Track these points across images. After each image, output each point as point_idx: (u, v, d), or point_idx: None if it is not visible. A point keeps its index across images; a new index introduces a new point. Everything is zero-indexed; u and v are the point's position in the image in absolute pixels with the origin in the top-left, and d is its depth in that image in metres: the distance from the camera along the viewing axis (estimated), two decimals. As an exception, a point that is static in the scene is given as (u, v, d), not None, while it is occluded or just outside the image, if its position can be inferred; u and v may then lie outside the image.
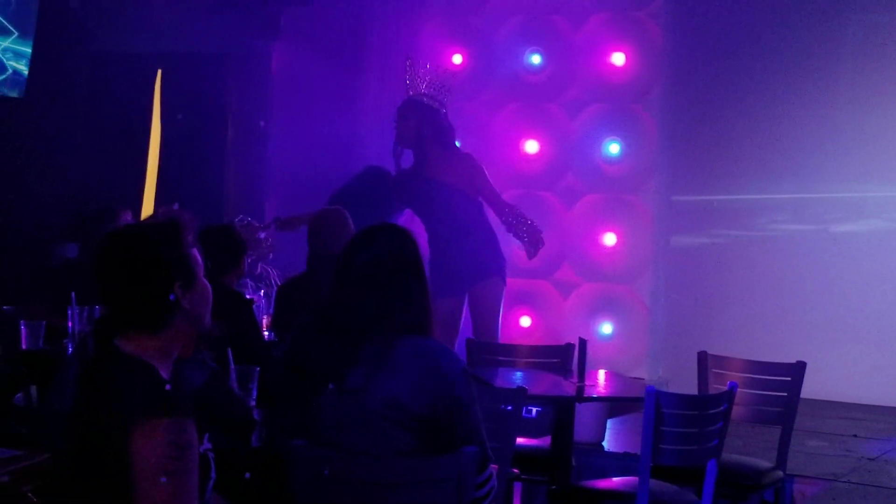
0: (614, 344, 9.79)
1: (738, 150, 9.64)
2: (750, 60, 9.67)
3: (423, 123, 7.94)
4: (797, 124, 9.46)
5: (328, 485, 3.77)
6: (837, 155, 9.42)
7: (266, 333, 6.81)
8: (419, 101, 8.02)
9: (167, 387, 3.02)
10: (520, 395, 4.83)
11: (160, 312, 3.05)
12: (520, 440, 5.66)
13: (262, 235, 8.48)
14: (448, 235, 7.73)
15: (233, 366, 4.67)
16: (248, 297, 6.55)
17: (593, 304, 9.97)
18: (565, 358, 6.55)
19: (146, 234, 3.12)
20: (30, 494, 3.29)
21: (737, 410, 5.50)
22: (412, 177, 7.99)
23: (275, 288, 7.44)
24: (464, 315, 7.88)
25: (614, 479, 5.74)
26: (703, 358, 6.37)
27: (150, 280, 3.05)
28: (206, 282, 3.19)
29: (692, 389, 6.52)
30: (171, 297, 3.04)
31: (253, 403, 4.61)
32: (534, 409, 7.22)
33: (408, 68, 8.19)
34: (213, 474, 3.59)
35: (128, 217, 7.17)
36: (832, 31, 9.45)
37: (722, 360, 6.38)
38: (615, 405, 7.65)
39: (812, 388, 6.42)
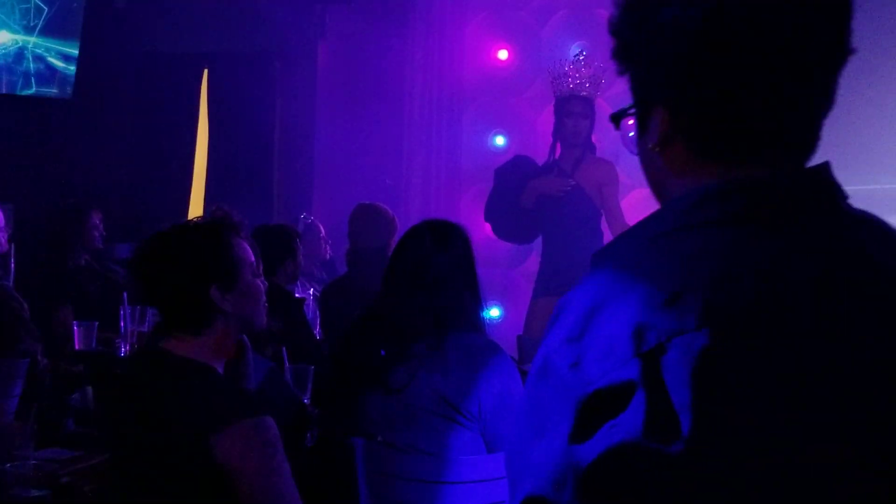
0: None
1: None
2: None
3: (593, 124, 7.78)
4: (852, 120, 9.36)
5: (385, 481, 3.77)
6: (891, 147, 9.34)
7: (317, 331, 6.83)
8: (592, 100, 7.84)
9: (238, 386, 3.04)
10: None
11: (199, 314, 3.04)
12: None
13: (323, 234, 8.50)
14: (564, 239, 7.58)
15: (288, 364, 4.67)
16: (297, 296, 6.56)
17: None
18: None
19: (183, 236, 3.11)
20: (90, 495, 3.31)
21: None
22: (553, 173, 7.81)
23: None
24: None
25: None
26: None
27: (186, 282, 3.04)
28: (256, 282, 3.18)
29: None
30: (210, 299, 3.04)
31: (307, 402, 4.62)
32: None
33: (571, 66, 8.03)
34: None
35: (97, 216, 7.20)
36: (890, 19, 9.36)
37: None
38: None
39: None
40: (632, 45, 1.56)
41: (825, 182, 1.45)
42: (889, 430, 1.24)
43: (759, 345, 1.26)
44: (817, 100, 1.48)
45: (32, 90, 9.10)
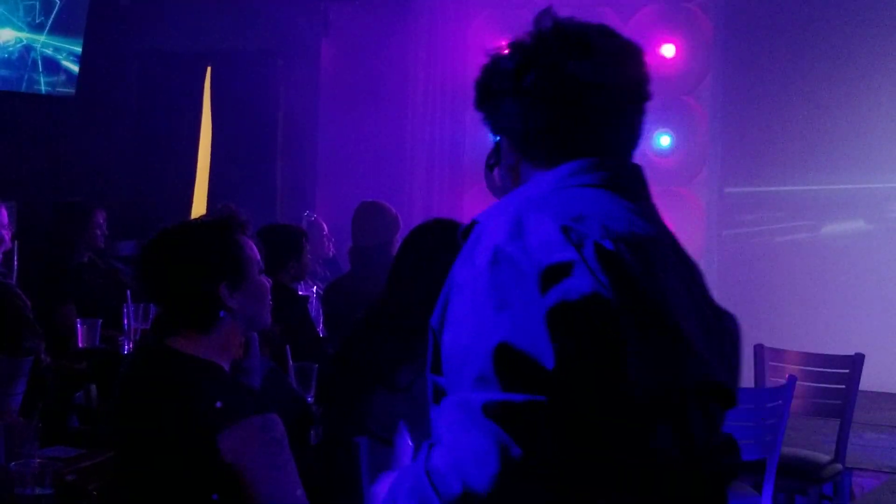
0: (666, 337, 9.74)
1: (791, 142, 9.56)
2: (801, 50, 9.59)
3: None
4: (851, 114, 9.37)
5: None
6: (891, 145, 9.33)
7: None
8: None
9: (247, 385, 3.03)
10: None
11: (207, 312, 3.04)
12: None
13: (326, 232, 8.49)
14: None
15: (291, 363, 4.67)
16: (301, 294, 6.56)
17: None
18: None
19: (193, 233, 3.11)
20: (95, 493, 3.30)
21: (794, 403, 5.46)
22: None
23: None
24: None
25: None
26: (759, 351, 6.33)
27: (195, 279, 3.03)
28: (262, 280, 3.18)
29: (747, 382, 6.48)
30: (218, 297, 3.03)
31: (311, 400, 4.61)
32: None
33: None
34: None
35: (101, 216, 7.19)
36: (888, 18, 9.35)
37: (779, 353, 6.33)
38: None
39: (868, 379, 6.36)
40: (482, 92, 2.22)
41: (643, 176, 2.15)
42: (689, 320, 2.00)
43: (638, 254, 1.94)
44: (623, 133, 2.15)
45: (35, 88, 9.10)
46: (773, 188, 9.73)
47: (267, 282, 3.18)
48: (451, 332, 2.00)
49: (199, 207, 10.16)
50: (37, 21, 9.01)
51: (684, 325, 1.97)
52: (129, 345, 5.94)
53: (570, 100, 2.06)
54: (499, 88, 2.15)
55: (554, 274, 1.86)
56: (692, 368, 1.97)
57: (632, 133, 2.16)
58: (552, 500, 1.88)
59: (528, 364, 1.83)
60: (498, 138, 2.20)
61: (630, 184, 2.10)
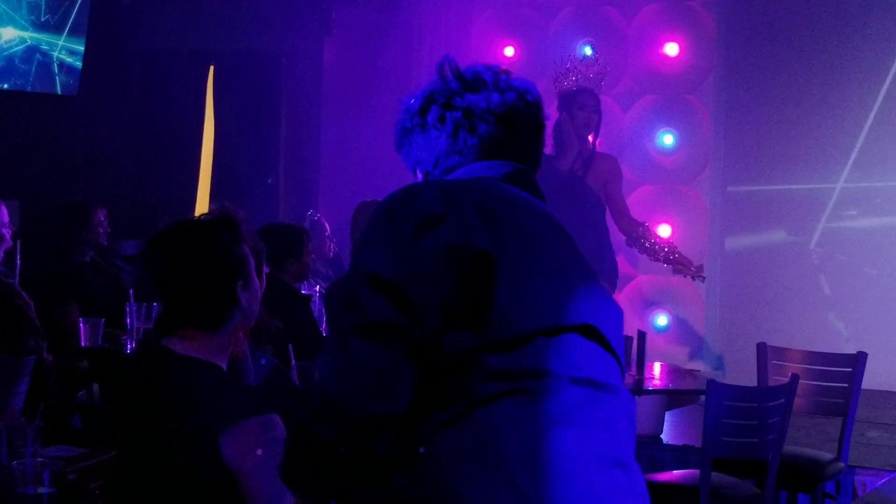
0: (669, 336, 9.75)
1: (794, 140, 9.55)
2: (804, 49, 9.58)
3: (601, 119, 7.61)
4: (855, 112, 9.36)
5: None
6: (894, 143, 9.32)
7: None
8: (596, 93, 7.67)
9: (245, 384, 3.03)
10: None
11: (222, 310, 3.03)
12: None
13: (328, 233, 8.49)
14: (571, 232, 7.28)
15: (294, 362, 4.67)
16: (304, 293, 6.56)
17: (649, 296, 9.93)
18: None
19: (211, 231, 3.08)
20: (97, 492, 3.30)
21: (797, 402, 5.45)
22: (561, 168, 7.51)
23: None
24: None
25: (674, 472, 5.71)
26: (762, 349, 6.32)
27: (217, 277, 3.02)
28: (257, 279, 3.18)
29: (750, 381, 6.48)
30: (235, 295, 3.03)
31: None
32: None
33: (577, 63, 7.94)
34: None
35: (102, 213, 7.18)
36: (891, 18, 9.34)
37: (781, 352, 6.33)
38: (672, 397, 7.60)
39: (871, 378, 6.36)
40: (398, 133, 2.57)
41: (538, 184, 2.46)
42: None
43: (515, 212, 2.26)
44: (517, 152, 2.45)
45: (39, 87, 9.10)
46: (775, 187, 9.72)
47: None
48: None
49: (201, 206, 10.15)
50: (41, 19, 9.01)
51: (564, 273, 2.30)
52: (131, 344, 5.94)
53: (465, 127, 2.43)
54: (410, 126, 2.52)
55: (429, 222, 2.15)
56: (572, 308, 2.24)
57: (526, 153, 2.49)
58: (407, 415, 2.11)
59: (392, 292, 2.10)
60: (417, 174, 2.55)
61: (527, 184, 2.43)
